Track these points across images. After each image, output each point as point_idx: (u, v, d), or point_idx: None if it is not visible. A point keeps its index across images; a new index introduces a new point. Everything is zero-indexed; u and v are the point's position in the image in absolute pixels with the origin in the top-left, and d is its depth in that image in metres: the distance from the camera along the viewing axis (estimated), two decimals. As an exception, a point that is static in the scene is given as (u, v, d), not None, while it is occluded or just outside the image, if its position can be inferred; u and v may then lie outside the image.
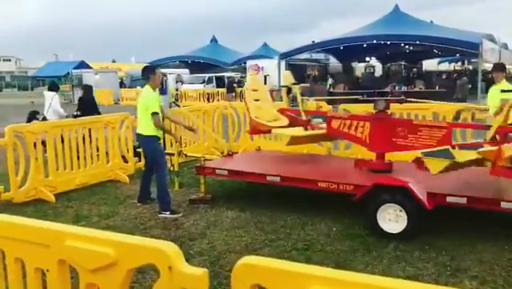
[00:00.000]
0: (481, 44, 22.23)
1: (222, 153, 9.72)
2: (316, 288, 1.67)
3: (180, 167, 8.04)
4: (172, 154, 7.66)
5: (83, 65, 41.02)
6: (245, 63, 33.50)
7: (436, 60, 43.66)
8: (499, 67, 7.46)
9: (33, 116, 10.07)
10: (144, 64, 16.51)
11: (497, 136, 5.18)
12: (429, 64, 43.97)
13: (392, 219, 5.05)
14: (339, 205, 5.99)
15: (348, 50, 28.15)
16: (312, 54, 32.26)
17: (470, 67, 43.95)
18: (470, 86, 25.25)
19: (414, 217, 4.92)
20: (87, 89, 11.72)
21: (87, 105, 10.54)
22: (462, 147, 5.16)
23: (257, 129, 7.27)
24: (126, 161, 8.64)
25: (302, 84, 7.92)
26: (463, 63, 45.57)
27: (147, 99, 6.08)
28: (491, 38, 26.59)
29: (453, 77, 37.66)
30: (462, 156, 4.90)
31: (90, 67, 38.51)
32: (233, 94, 28.18)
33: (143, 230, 5.61)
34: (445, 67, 46.20)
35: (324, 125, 6.60)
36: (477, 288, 3.94)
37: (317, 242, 5.04)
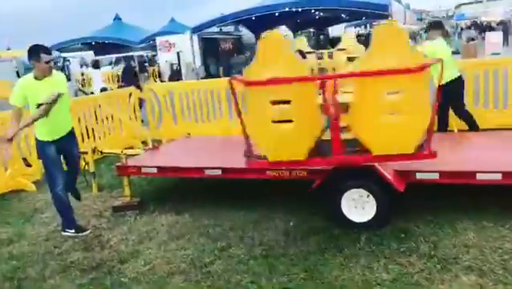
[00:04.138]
0: (390, 5, 22.39)
1: (144, 143, 8.61)
2: None
3: (97, 164, 6.85)
4: (85, 152, 6.45)
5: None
6: (154, 40, 31.54)
7: (343, 26, 44.30)
8: (435, 24, 6.97)
9: None
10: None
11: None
12: (336, 30, 44.62)
13: (359, 206, 4.36)
14: (287, 193, 5.24)
15: (261, 20, 27.29)
16: (222, 28, 31.11)
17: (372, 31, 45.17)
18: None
19: (384, 202, 4.25)
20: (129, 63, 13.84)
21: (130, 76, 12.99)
22: None
23: None
24: (29, 165, 7.26)
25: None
26: (365, 27, 46.79)
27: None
28: (397, 0, 27.08)
29: (362, 40, 38.46)
30: None
31: (-22, 57, 34.48)
32: (146, 74, 26.46)
33: (58, 256, 4.47)
34: (351, 31, 47.05)
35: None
36: (478, 283, 3.34)
37: (276, 245, 4.23)
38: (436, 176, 4.30)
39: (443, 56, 6.38)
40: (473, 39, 25.31)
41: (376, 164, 4.21)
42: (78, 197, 5.49)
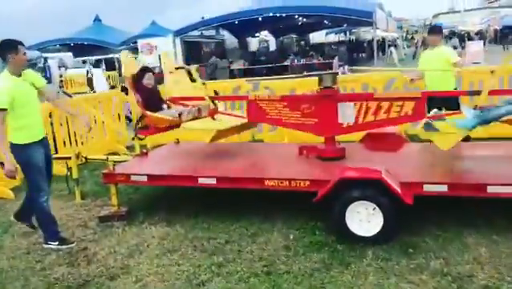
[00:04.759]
0: (374, 13, 22.48)
1: (128, 149, 8.29)
2: None
3: (80, 170, 6.47)
4: (69, 157, 6.10)
5: None
6: (134, 42, 31.02)
7: (324, 32, 44.50)
8: (437, 30, 6.82)
9: None
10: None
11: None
12: (317, 36, 44.81)
13: (363, 219, 4.13)
14: (284, 203, 4.99)
15: (244, 24, 27.17)
16: (203, 31, 30.84)
17: (353, 37, 45.67)
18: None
19: (391, 216, 4.03)
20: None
21: None
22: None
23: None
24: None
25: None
26: (345, 34, 47.12)
27: None
28: (381, 7, 27.26)
29: (344, 47, 38.60)
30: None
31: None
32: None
33: (41, 271, 4.12)
34: (332, 38, 47.29)
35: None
36: (499, 305, 3.14)
37: (278, 260, 3.96)
38: (444, 188, 4.10)
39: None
40: (455, 48, 25.52)
41: (383, 176, 4.00)
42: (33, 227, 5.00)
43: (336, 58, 22.83)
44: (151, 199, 5.87)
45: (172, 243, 4.46)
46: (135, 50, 30.02)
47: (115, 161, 5.47)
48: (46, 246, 4.60)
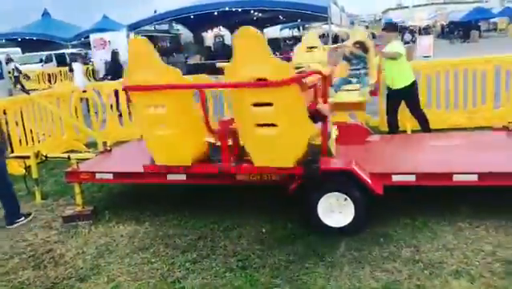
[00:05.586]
0: (329, 7, 22.75)
1: (87, 146, 8.05)
2: None
3: (38, 169, 6.21)
4: (27, 156, 5.85)
5: None
6: (87, 37, 30.12)
7: (278, 27, 44.82)
8: (393, 28, 7.01)
9: None
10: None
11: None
12: (271, 31, 45.09)
13: (335, 210, 4.18)
14: (253, 198, 4.99)
15: (199, 19, 26.84)
16: (156, 26, 30.29)
17: (306, 33, 46.20)
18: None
19: (362, 206, 4.10)
20: (114, 54, 13.03)
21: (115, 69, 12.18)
22: None
23: None
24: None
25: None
26: (298, 29, 47.66)
27: None
28: (335, 2, 27.61)
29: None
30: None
31: None
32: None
33: (4, 276, 3.93)
34: (286, 33, 47.74)
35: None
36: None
37: (252, 254, 3.95)
38: (412, 178, 4.21)
39: (405, 58, 6.43)
40: (406, 42, 26.31)
41: (353, 167, 4.05)
42: None
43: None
44: (116, 197, 5.72)
45: (142, 241, 4.36)
46: (85, 46, 29.23)
47: (78, 159, 5.28)
48: (14, 225, 4.92)
